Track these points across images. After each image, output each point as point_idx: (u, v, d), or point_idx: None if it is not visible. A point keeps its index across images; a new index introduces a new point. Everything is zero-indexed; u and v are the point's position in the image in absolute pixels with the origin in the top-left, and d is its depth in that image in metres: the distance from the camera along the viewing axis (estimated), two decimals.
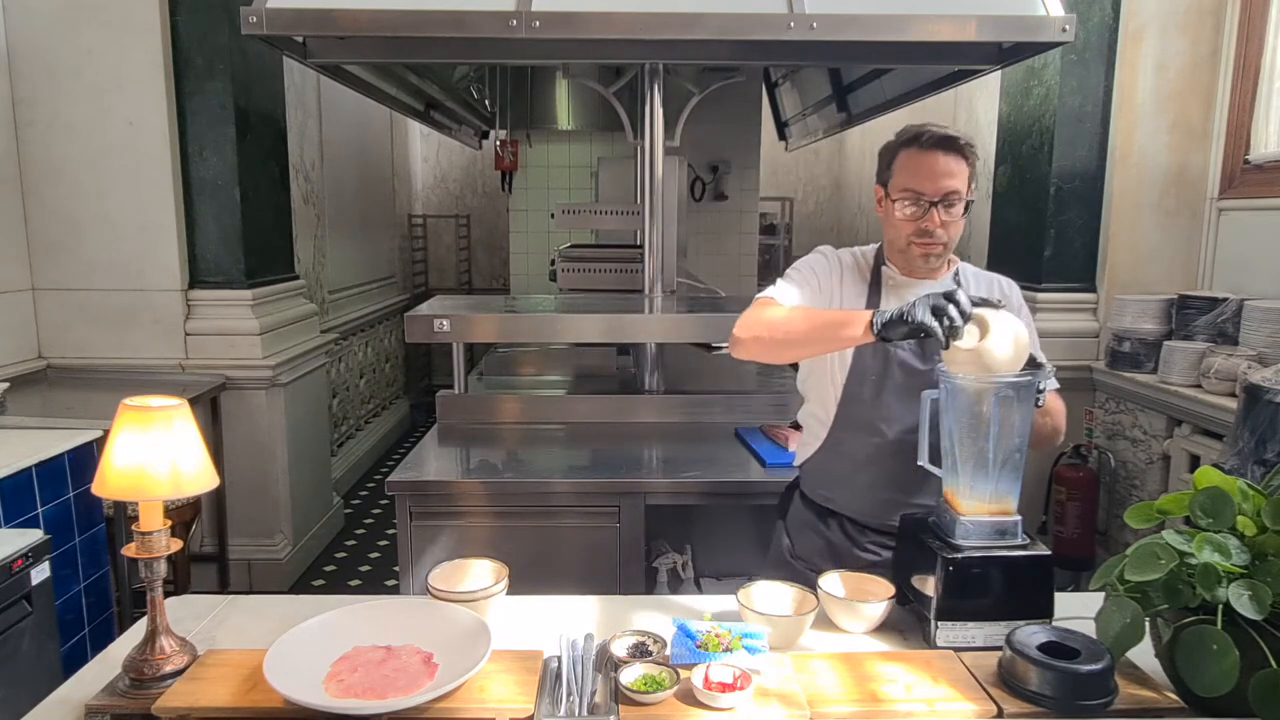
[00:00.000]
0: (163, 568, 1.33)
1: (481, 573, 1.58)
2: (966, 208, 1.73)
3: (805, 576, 1.87)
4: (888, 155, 1.77)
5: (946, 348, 1.43)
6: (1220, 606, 1.16)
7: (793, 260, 1.98)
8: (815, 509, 1.91)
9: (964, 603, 1.43)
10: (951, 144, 1.68)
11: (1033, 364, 1.48)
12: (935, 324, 1.40)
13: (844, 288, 1.84)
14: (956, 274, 1.86)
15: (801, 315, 1.69)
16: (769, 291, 1.80)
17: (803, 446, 1.96)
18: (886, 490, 1.80)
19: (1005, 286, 1.89)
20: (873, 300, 1.82)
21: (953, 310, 1.39)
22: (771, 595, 1.56)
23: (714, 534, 2.75)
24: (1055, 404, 1.75)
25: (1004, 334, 1.41)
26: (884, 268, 1.84)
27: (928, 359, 1.76)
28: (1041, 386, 1.50)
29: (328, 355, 4.68)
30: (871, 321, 1.51)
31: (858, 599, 1.53)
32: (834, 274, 1.85)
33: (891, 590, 1.54)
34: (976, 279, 1.88)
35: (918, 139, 1.71)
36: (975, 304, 1.43)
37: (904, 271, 1.82)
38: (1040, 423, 1.68)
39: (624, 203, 3.96)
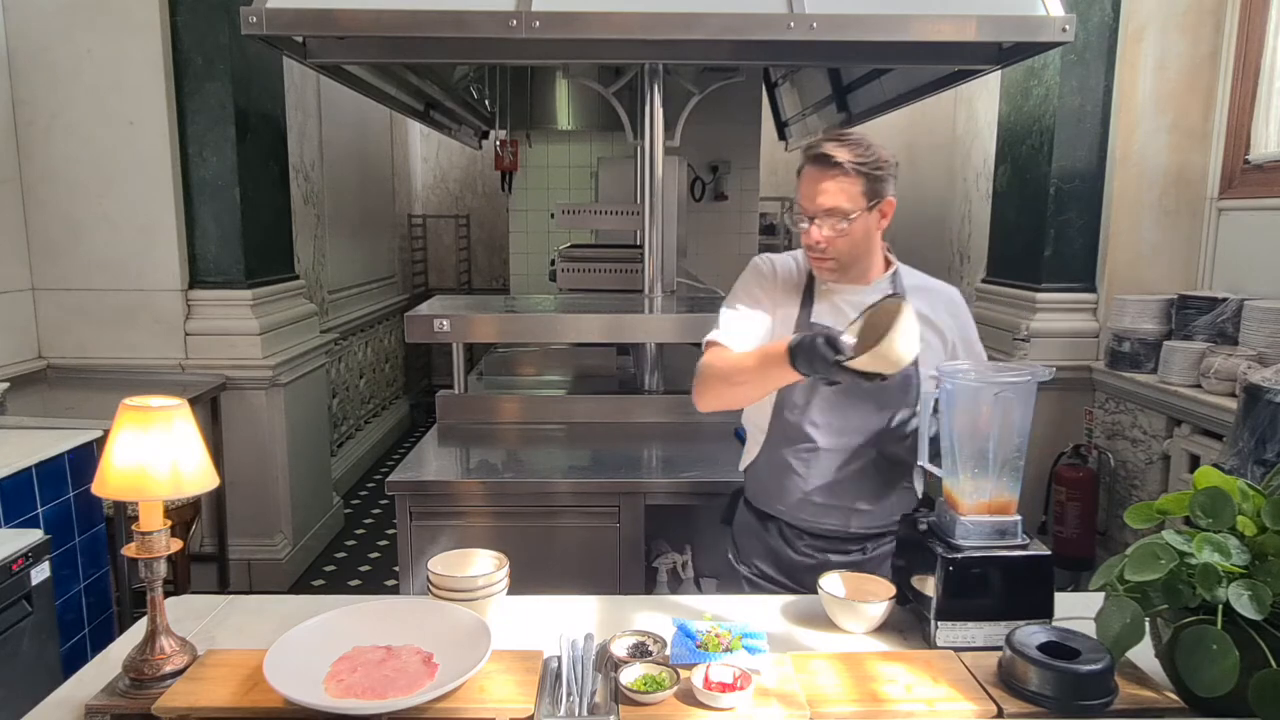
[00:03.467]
0: (163, 568, 1.33)
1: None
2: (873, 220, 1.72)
3: (750, 582, 1.92)
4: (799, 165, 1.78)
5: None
6: (1220, 606, 1.16)
7: None
8: (756, 514, 1.94)
9: (964, 603, 1.43)
10: (825, 160, 1.67)
11: None
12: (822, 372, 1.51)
13: (780, 295, 1.85)
14: (894, 275, 1.84)
15: (739, 369, 1.71)
16: (713, 334, 1.83)
17: (745, 453, 1.98)
18: (820, 496, 1.83)
19: (945, 294, 1.87)
20: (805, 307, 1.83)
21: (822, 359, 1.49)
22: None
23: (714, 534, 2.75)
24: None
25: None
26: (818, 282, 1.85)
27: None
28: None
29: (328, 355, 4.68)
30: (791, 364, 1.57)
31: (858, 599, 1.53)
32: (771, 283, 1.86)
33: (892, 590, 1.54)
34: (912, 280, 1.86)
35: (806, 151, 1.71)
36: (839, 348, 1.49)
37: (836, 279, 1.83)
38: None
39: (624, 203, 3.96)
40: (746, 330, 1.82)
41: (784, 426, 1.85)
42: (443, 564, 1.54)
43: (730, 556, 2.00)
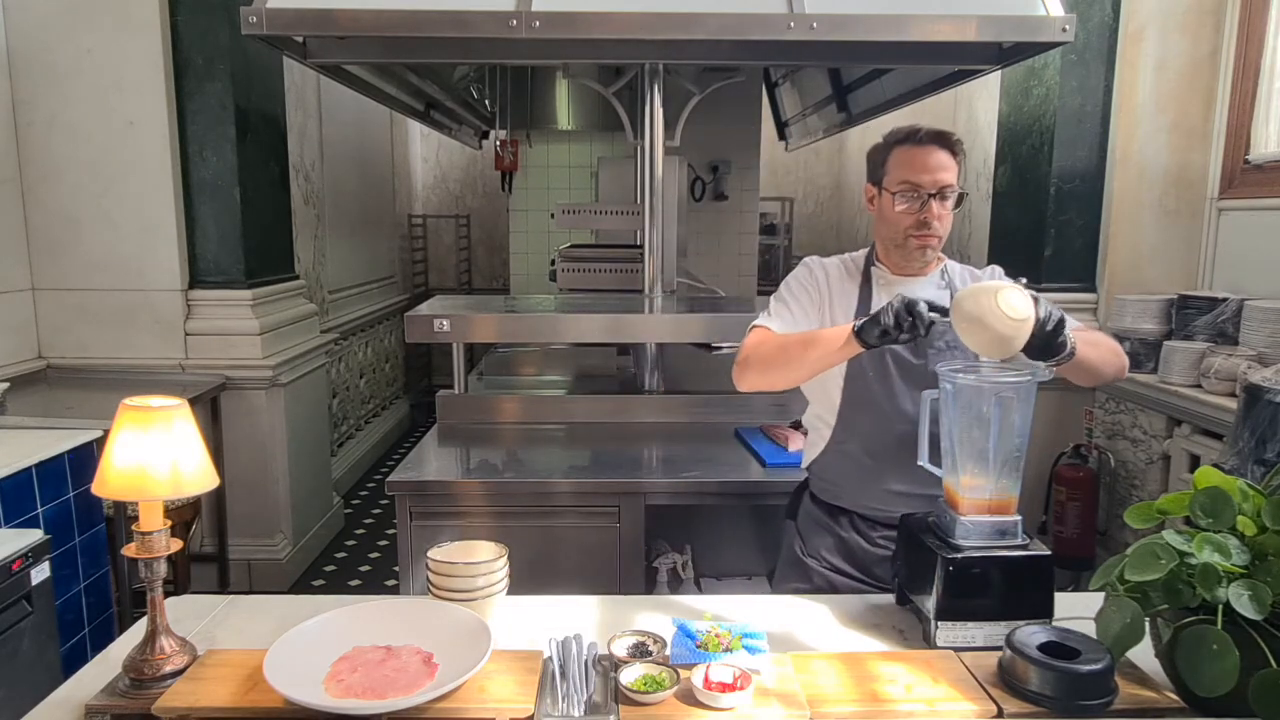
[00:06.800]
0: (163, 568, 1.33)
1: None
2: (959, 202, 1.79)
3: (819, 574, 1.90)
4: (880, 154, 1.84)
5: (926, 334, 1.52)
6: (1220, 606, 1.16)
7: (793, 261, 2.00)
8: (825, 508, 1.93)
9: (964, 603, 1.43)
10: (944, 139, 1.77)
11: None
12: (896, 328, 1.52)
13: (833, 294, 1.89)
14: (944, 270, 1.87)
15: (794, 342, 1.74)
16: (760, 319, 1.86)
17: (809, 447, 1.98)
18: (894, 484, 1.83)
19: (989, 274, 1.91)
20: (864, 301, 1.86)
21: (918, 313, 1.51)
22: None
23: (714, 534, 2.75)
24: (1094, 342, 1.70)
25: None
26: (874, 268, 1.89)
27: (921, 354, 1.80)
28: (1065, 336, 1.53)
29: (328, 355, 4.68)
30: (854, 332, 1.60)
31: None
32: (821, 283, 1.90)
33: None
34: (962, 274, 1.90)
35: (912, 135, 1.79)
36: (934, 310, 1.52)
37: (895, 270, 1.87)
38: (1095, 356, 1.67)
39: (624, 203, 3.96)
40: (794, 320, 1.85)
41: (855, 421, 1.84)
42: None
43: (797, 550, 1.98)
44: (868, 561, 1.87)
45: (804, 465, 2.01)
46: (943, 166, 1.75)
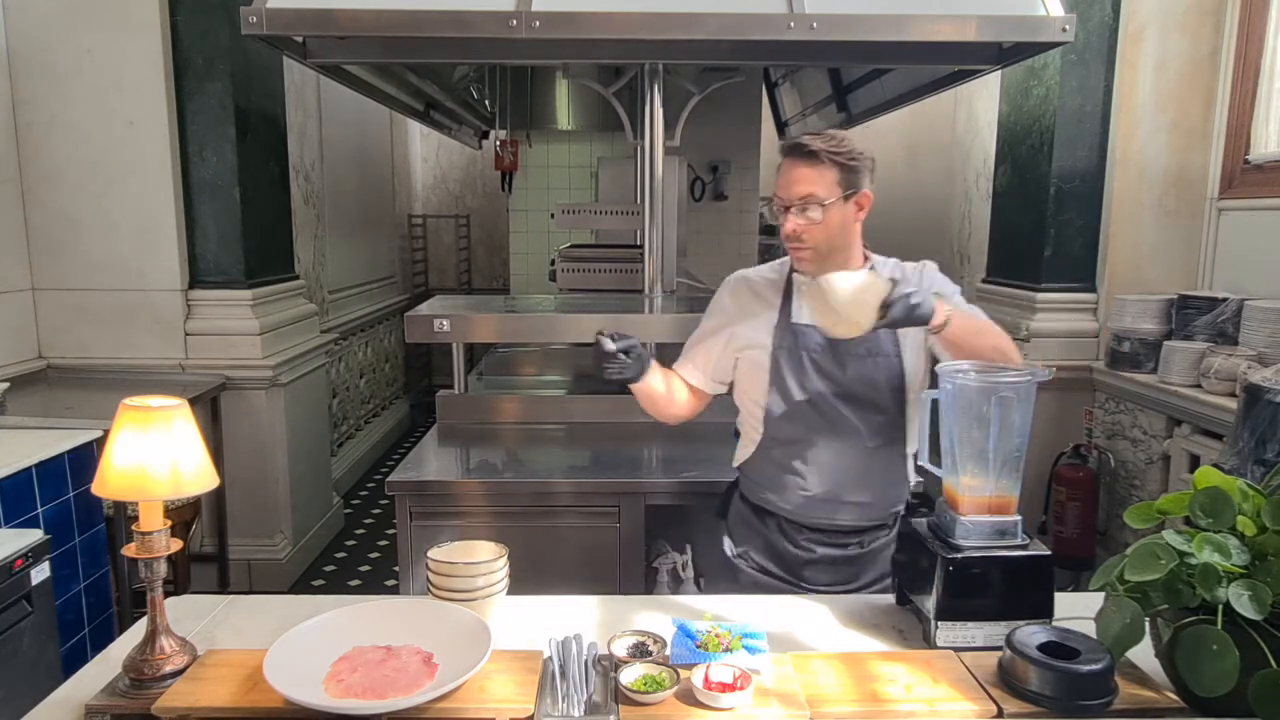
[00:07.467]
0: (163, 568, 1.33)
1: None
2: (861, 205, 1.79)
3: (747, 574, 1.94)
4: None
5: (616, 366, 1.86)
6: (1220, 606, 1.16)
7: None
8: (753, 508, 1.96)
9: (964, 603, 1.43)
10: (800, 150, 1.74)
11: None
12: (606, 369, 1.83)
13: (748, 307, 1.92)
14: (871, 270, 1.84)
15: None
16: (676, 365, 2.03)
17: (740, 449, 2.01)
18: (817, 489, 1.85)
19: (915, 268, 1.91)
20: (785, 307, 1.87)
21: (608, 359, 1.82)
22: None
23: (714, 534, 2.75)
24: (978, 330, 1.69)
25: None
26: (795, 274, 1.89)
27: (840, 361, 1.81)
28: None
29: (328, 355, 4.68)
30: None
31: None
32: (733, 299, 1.95)
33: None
34: (893, 270, 1.89)
35: (783, 146, 1.81)
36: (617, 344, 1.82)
37: (816, 275, 1.85)
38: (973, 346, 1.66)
39: (624, 203, 3.96)
40: (695, 359, 1.99)
41: (779, 426, 1.87)
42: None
43: (726, 550, 2.01)
44: (794, 564, 1.89)
45: (735, 464, 2.03)
46: (799, 179, 1.73)
